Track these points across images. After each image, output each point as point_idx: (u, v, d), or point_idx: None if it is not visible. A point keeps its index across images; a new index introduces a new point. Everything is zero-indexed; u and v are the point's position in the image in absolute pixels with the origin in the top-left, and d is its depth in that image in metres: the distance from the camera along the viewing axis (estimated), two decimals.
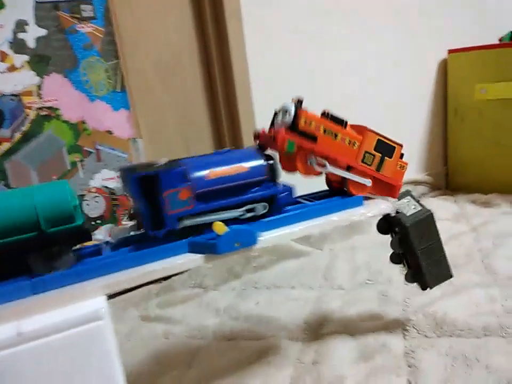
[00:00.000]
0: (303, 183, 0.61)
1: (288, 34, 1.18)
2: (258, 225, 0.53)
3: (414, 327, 0.74)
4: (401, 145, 0.64)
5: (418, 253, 0.65)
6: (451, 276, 0.70)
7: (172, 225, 0.48)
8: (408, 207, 0.64)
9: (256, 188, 0.54)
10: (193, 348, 0.78)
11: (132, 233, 0.53)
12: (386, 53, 1.38)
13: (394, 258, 0.69)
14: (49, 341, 0.37)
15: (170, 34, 1.07)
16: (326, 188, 0.67)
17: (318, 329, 0.78)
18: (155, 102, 1.07)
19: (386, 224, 0.66)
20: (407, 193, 0.67)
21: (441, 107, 1.56)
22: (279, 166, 0.57)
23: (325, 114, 0.58)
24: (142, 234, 0.52)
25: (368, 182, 0.61)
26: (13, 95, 0.89)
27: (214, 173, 0.51)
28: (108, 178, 1.00)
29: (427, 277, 0.67)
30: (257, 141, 0.60)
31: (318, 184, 0.66)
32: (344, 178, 0.61)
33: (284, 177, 0.58)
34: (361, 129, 0.61)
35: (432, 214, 0.65)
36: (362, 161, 0.61)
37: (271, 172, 0.55)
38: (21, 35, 0.88)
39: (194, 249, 0.50)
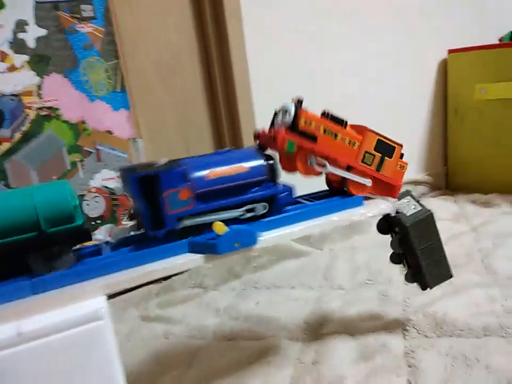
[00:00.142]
0: (303, 183, 0.61)
1: (288, 34, 1.18)
2: (258, 225, 0.53)
3: (414, 327, 0.74)
4: (401, 145, 0.64)
5: (418, 253, 0.65)
6: (451, 276, 0.70)
7: (172, 225, 0.48)
8: (408, 207, 0.63)
9: (256, 188, 0.54)
10: (193, 348, 0.78)
11: (131, 233, 0.53)
12: (386, 53, 1.38)
13: (394, 258, 0.69)
14: (49, 341, 0.37)
15: (170, 34, 1.07)
16: (326, 188, 0.67)
17: (318, 329, 0.78)
18: (155, 102, 1.07)
19: (386, 224, 0.66)
20: (407, 193, 0.67)
21: (441, 107, 1.56)
22: (279, 166, 0.57)
23: (325, 114, 0.58)
24: (142, 234, 0.52)
25: (368, 182, 0.61)
26: (13, 95, 0.89)
27: (214, 173, 0.51)
28: (108, 178, 1.00)
29: (427, 277, 0.67)
30: (257, 141, 0.60)
31: (318, 184, 0.66)
32: (344, 178, 0.61)
33: (284, 177, 0.58)
34: (361, 129, 0.61)
35: (432, 214, 0.65)
36: (362, 161, 0.61)
37: (271, 172, 0.55)
38: (21, 35, 0.88)
39: (194, 249, 0.50)
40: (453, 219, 1.25)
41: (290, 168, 0.58)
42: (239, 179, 0.52)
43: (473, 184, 1.48)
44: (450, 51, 1.49)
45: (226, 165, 0.52)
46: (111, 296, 0.96)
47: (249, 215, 0.54)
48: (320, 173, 0.61)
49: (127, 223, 0.54)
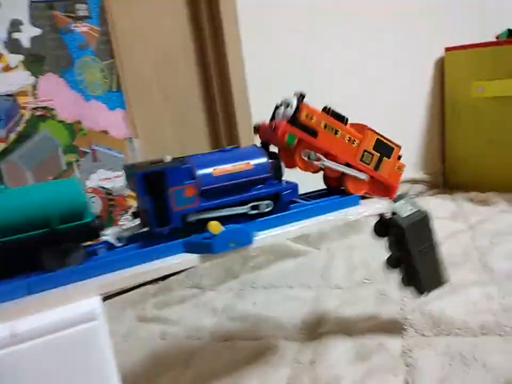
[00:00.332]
0: (303, 183, 0.61)
1: (286, 34, 1.18)
2: (254, 224, 0.53)
3: (411, 326, 0.74)
4: (399, 147, 0.64)
5: (414, 255, 0.63)
6: (446, 282, 0.68)
7: (177, 222, 0.49)
8: (405, 209, 0.63)
9: (261, 186, 0.55)
10: (191, 348, 0.77)
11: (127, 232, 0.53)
12: (383, 52, 1.38)
13: (391, 262, 0.68)
14: (44, 342, 0.37)
15: (166, 33, 1.06)
16: (323, 187, 0.67)
17: (315, 329, 0.78)
18: (151, 101, 1.06)
19: (383, 227, 0.65)
20: (404, 195, 0.66)
21: (439, 105, 1.56)
22: (283, 164, 0.57)
23: (326, 110, 0.58)
24: (143, 233, 0.52)
25: (364, 176, 0.61)
26: (7, 95, 0.88)
27: (219, 170, 0.52)
28: (104, 178, 1.00)
29: (423, 281, 0.66)
30: (258, 133, 0.60)
31: (317, 183, 0.66)
32: (341, 176, 0.61)
33: (286, 176, 0.58)
34: (361, 128, 0.61)
35: (428, 215, 0.64)
36: (361, 160, 0.61)
37: (275, 169, 0.56)
38: (15, 35, 0.87)
39: (189, 249, 0.50)
40: (451, 217, 1.25)
41: (289, 163, 0.59)
42: (244, 176, 0.53)
43: (471, 182, 1.48)
44: (447, 49, 1.49)
45: (231, 162, 0.53)
46: (108, 297, 0.96)
47: (254, 212, 0.54)
48: (318, 170, 0.61)
49: (123, 223, 0.54)
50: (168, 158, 0.50)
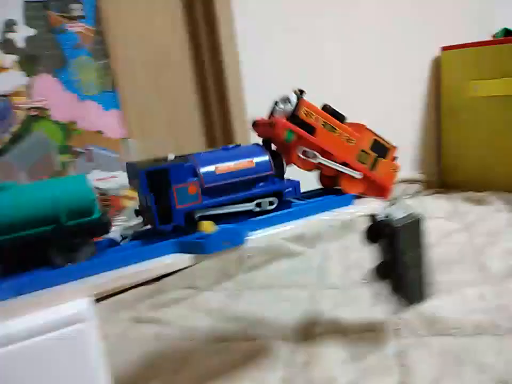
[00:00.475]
0: (303, 183, 0.60)
1: (282, 34, 1.18)
2: (247, 224, 0.53)
3: (405, 327, 0.74)
4: (396, 148, 0.64)
5: (405, 261, 0.61)
6: (431, 295, 0.65)
7: (180, 220, 0.49)
8: (398, 212, 0.62)
9: (263, 183, 0.55)
10: (185, 349, 0.77)
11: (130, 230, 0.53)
12: (379, 51, 1.38)
13: (380, 270, 0.65)
14: (31, 344, 0.37)
15: (161, 33, 1.06)
16: (318, 187, 0.67)
17: (310, 330, 0.78)
18: (146, 101, 1.06)
19: (375, 230, 0.63)
20: (397, 198, 0.65)
21: (435, 105, 1.56)
22: (284, 162, 0.57)
23: (325, 108, 0.58)
24: (145, 231, 0.53)
25: (358, 174, 0.61)
26: (1, 95, 0.88)
27: (222, 168, 0.52)
28: (99, 179, 0.99)
29: (411, 292, 0.63)
30: (255, 129, 0.60)
31: (314, 183, 0.66)
32: (337, 175, 0.61)
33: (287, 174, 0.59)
34: (359, 128, 0.61)
35: (422, 219, 0.62)
36: (358, 160, 0.61)
37: (277, 167, 0.56)
38: (9, 35, 0.87)
39: (182, 248, 0.49)
40: (446, 217, 1.25)
41: (286, 160, 0.58)
42: (246, 174, 0.53)
43: (467, 182, 1.48)
44: (444, 48, 1.49)
45: (233, 160, 0.53)
46: (102, 298, 0.96)
47: (257, 209, 0.54)
48: (314, 168, 0.60)
49: (120, 224, 0.54)
50: (171, 156, 0.51)
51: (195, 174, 0.50)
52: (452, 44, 1.47)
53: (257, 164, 0.54)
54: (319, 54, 1.26)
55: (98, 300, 0.94)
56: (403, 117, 1.49)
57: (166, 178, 0.47)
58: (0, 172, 0.89)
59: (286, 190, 0.56)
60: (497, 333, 0.69)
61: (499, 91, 1.34)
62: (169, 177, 0.47)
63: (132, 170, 0.51)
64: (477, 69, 1.41)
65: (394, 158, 0.65)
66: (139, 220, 0.54)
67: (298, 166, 0.59)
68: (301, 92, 0.57)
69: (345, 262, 1.03)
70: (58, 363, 0.38)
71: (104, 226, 0.46)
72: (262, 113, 0.62)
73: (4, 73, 0.87)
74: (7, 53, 0.87)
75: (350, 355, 0.69)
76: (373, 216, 0.62)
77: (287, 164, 0.59)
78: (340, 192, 0.62)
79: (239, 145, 0.58)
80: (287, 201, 0.57)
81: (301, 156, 0.57)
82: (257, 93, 1.11)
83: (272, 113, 0.59)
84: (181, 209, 0.49)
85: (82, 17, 0.93)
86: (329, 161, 0.59)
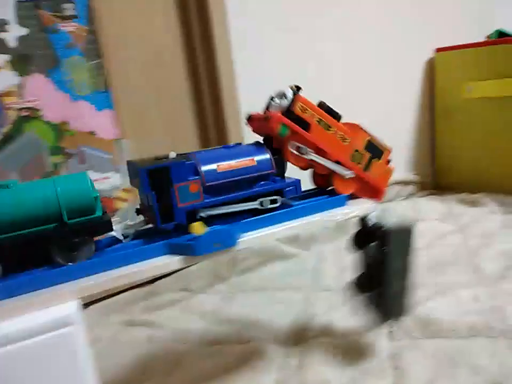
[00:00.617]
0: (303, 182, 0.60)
1: (277, 33, 1.18)
2: (239, 225, 0.52)
3: (400, 329, 0.73)
4: (390, 150, 0.63)
5: (390, 268, 0.59)
6: (406, 313, 0.63)
7: (182, 218, 0.49)
8: (389, 218, 0.61)
9: (264, 182, 0.55)
10: (178, 352, 0.76)
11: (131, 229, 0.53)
12: (373, 53, 1.38)
13: (361, 281, 0.63)
14: (17, 348, 0.36)
15: (154, 33, 1.05)
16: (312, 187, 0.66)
17: (304, 332, 0.77)
18: (139, 101, 1.05)
19: (364, 234, 0.62)
20: (388, 208, 0.64)
21: (429, 106, 1.56)
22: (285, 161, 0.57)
23: (321, 105, 0.58)
24: (148, 229, 0.52)
25: (350, 173, 0.61)
26: None
27: (223, 166, 0.52)
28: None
29: (388, 305, 0.61)
30: (249, 124, 0.60)
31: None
32: (330, 175, 0.60)
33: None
34: (353, 127, 0.61)
35: (413, 226, 0.60)
36: (351, 159, 0.60)
37: (278, 165, 0.56)
38: (1, 34, 0.86)
39: (172, 250, 0.49)
40: (440, 219, 1.25)
41: None
42: (247, 172, 0.53)
43: (461, 183, 1.48)
44: (438, 49, 1.49)
45: (235, 158, 0.53)
46: (94, 301, 0.95)
47: (261, 207, 0.54)
48: (308, 166, 0.60)
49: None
50: (172, 154, 0.51)
51: (196, 172, 0.50)
52: (446, 45, 1.47)
53: (258, 162, 0.54)
54: (317, 54, 1.26)
55: (90, 304, 0.93)
56: (397, 118, 1.49)
57: (167, 177, 0.47)
58: None
59: (287, 189, 0.56)
60: (491, 335, 0.69)
61: (493, 92, 1.35)
62: (171, 175, 0.47)
63: (133, 169, 0.51)
64: (470, 70, 1.41)
65: (388, 161, 0.64)
66: (139, 218, 0.54)
67: (291, 162, 0.58)
68: (298, 88, 0.57)
69: (340, 264, 1.03)
70: (46, 366, 0.37)
71: (106, 224, 0.46)
72: (256, 108, 0.61)
73: None
74: None
75: (344, 357, 0.68)
76: (363, 219, 0.61)
77: None
78: (333, 193, 0.61)
79: (240, 144, 0.58)
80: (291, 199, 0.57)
81: (294, 151, 0.57)
82: (257, 93, 1.11)
83: (267, 108, 0.59)
84: (183, 207, 0.49)
85: (74, 16, 0.92)
86: (321, 158, 0.59)
